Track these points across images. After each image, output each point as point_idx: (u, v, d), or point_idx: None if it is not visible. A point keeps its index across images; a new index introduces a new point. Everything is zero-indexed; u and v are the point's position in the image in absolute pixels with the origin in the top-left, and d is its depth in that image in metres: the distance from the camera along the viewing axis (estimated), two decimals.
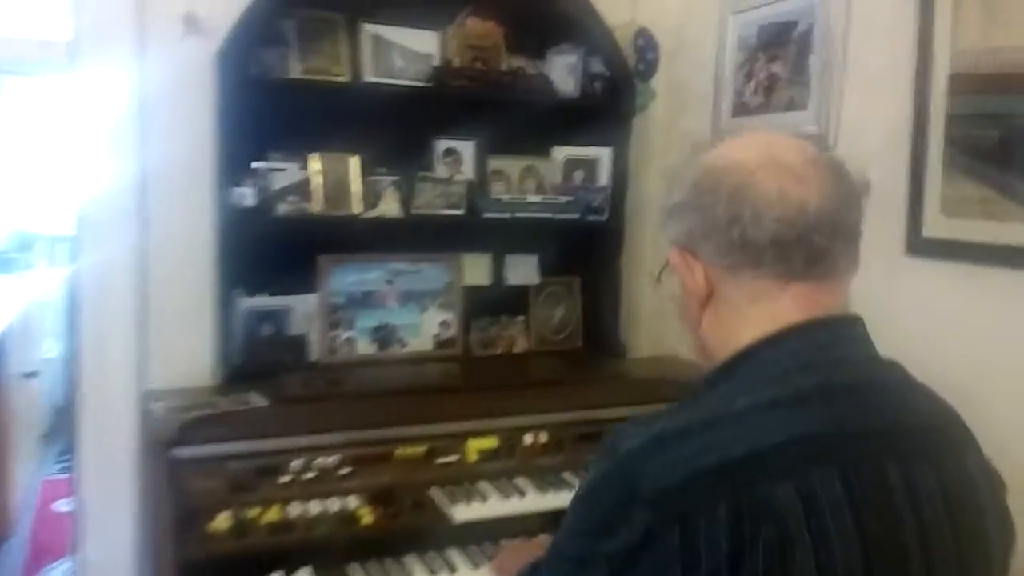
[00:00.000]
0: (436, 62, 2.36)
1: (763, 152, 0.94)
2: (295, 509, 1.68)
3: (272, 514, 1.66)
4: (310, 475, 1.76)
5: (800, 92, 2.10)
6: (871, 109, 1.91)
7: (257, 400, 1.91)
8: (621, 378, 2.23)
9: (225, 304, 2.13)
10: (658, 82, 2.59)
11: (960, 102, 1.68)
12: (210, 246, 2.12)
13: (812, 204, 0.91)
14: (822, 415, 0.86)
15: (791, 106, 2.13)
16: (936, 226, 1.75)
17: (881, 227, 1.83)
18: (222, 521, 1.61)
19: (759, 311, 0.94)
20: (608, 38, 2.43)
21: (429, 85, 2.33)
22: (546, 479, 1.88)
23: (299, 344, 2.27)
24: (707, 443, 0.83)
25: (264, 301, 2.26)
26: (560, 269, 2.58)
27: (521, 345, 2.50)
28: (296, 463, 1.75)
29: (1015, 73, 1.58)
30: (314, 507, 1.70)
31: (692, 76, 2.50)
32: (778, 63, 2.17)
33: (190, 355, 2.12)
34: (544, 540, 1.68)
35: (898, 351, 0.95)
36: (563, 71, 2.44)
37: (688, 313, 1.01)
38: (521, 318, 2.52)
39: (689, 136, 2.49)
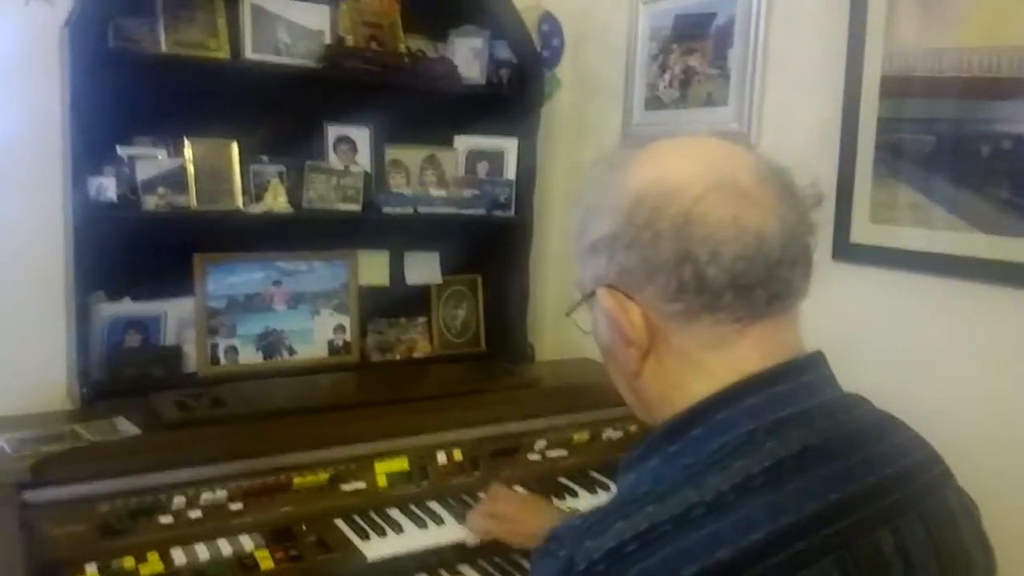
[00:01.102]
0: (327, 40, 2.13)
1: (706, 169, 0.79)
2: (180, 556, 1.44)
3: (152, 564, 1.41)
4: (195, 514, 1.52)
5: (719, 87, 2.02)
6: (797, 108, 1.85)
7: (127, 427, 1.64)
8: (534, 386, 2.09)
9: (82, 311, 1.84)
10: (563, 71, 2.46)
11: (892, 105, 1.64)
12: (63, 245, 1.82)
13: (773, 233, 0.76)
14: (806, 492, 0.72)
15: (710, 102, 2.04)
16: (864, 232, 1.71)
17: None
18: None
19: (715, 360, 0.79)
20: (515, 21, 2.27)
21: (319, 66, 2.10)
22: (462, 503, 1.72)
23: (173, 355, 2.00)
24: (682, 549, 0.67)
25: (129, 307, 1.97)
26: (462, 267, 2.42)
27: (423, 349, 2.32)
28: (178, 500, 1.51)
29: (950, 77, 1.54)
30: (202, 552, 1.46)
31: (601, 66, 2.38)
32: (695, 56, 2.08)
33: (40, 374, 1.81)
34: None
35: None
36: (467, 56, 2.26)
37: (620, 362, 0.83)
38: (422, 320, 2.34)
39: (599, 129, 2.38)
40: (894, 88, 1.63)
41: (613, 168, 0.84)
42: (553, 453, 1.90)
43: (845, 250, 1.73)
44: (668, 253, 0.76)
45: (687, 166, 0.80)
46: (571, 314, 0.90)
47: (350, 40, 2.15)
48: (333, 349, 2.19)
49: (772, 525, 0.69)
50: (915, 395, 1.53)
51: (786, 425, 0.75)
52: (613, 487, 1.82)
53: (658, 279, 0.77)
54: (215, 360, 2.04)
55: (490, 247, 2.39)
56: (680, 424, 0.79)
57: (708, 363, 0.79)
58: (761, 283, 0.77)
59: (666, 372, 0.81)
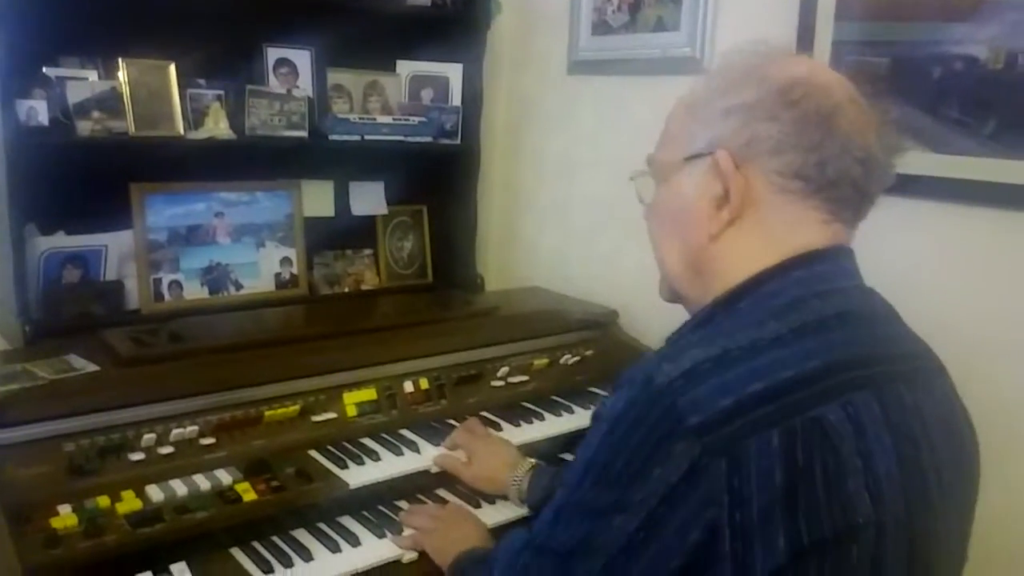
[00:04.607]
0: None
1: (842, 84, 0.91)
2: (156, 492, 1.39)
3: (128, 502, 1.36)
4: (166, 450, 1.47)
5: (670, 12, 2.03)
6: (751, 32, 1.86)
7: (83, 364, 1.56)
8: (491, 314, 2.09)
9: (18, 245, 1.71)
10: None
11: (847, 28, 1.69)
12: None
13: (877, 155, 0.89)
14: (850, 340, 0.85)
15: (660, 26, 2.05)
16: None
17: None
18: (66, 517, 1.29)
19: (790, 239, 0.90)
20: None
21: None
22: (433, 429, 1.73)
23: (114, 291, 1.90)
24: (752, 368, 0.78)
25: (65, 241, 1.85)
26: (406, 197, 2.38)
27: (370, 281, 2.28)
28: (148, 437, 1.45)
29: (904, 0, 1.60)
30: (179, 487, 1.42)
31: None
32: None
33: None
34: (455, 507, 1.54)
35: None
36: None
37: (698, 227, 0.93)
38: (368, 251, 2.30)
39: (543, 55, 2.36)
40: (849, 11, 1.68)
41: (762, 55, 0.94)
42: (515, 379, 1.92)
43: None
44: (807, 135, 0.86)
45: (832, 75, 0.92)
46: (633, 179, 1.02)
47: None
48: (280, 283, 2.13)
49: (827, 357, 0.81)
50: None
51: (827, 295, 0.87)
52: (576, 409, 1.88)
53: (787, 155, 0.87)
54: (159, 296, 1.95)
55: (435, 176, 2.35)
56: (729, 298, 0.90)
57: (784, 240, 0.89)
58: (860, 191, 0.89)
59: (744, 242, 0.91)
